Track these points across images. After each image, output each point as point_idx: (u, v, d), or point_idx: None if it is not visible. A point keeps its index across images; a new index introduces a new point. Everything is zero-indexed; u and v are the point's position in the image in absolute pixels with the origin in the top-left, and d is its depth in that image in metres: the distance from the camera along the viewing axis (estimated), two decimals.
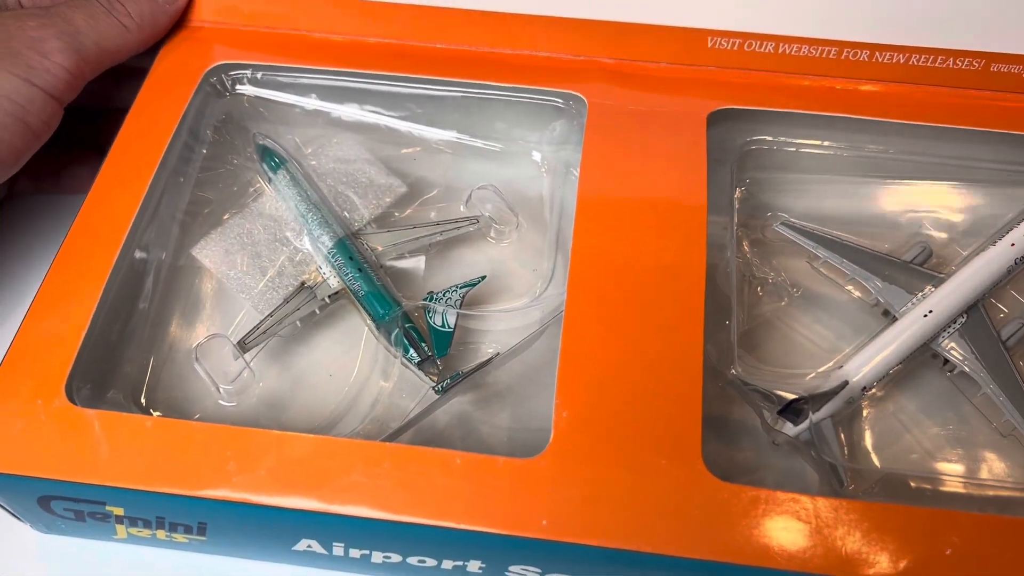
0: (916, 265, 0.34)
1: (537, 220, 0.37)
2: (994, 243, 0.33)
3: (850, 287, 0.34)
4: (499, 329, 0.34)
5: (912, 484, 0.30)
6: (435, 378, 0.32)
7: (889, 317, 0.33)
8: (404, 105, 0.37)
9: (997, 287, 0.33)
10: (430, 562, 0.28)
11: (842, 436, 0.31)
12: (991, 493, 0.30)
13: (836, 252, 0.34)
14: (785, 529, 0.26)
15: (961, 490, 0.30)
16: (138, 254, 0.33)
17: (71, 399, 0.28)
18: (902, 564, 0.25)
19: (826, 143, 0.36)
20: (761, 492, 0.27)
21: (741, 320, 0.33)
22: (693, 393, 0.28)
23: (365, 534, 0.27)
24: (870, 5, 0.35)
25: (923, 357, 0.33)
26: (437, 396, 0.31)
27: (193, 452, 0.27)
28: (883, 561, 0.25)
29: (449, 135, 0.37)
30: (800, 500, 0.27)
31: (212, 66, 0.36)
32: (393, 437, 0.30)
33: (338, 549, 0.28)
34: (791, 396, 0.30)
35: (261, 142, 0.36)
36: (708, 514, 0.26)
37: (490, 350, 0.32)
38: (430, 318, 0.33)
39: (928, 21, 0.35)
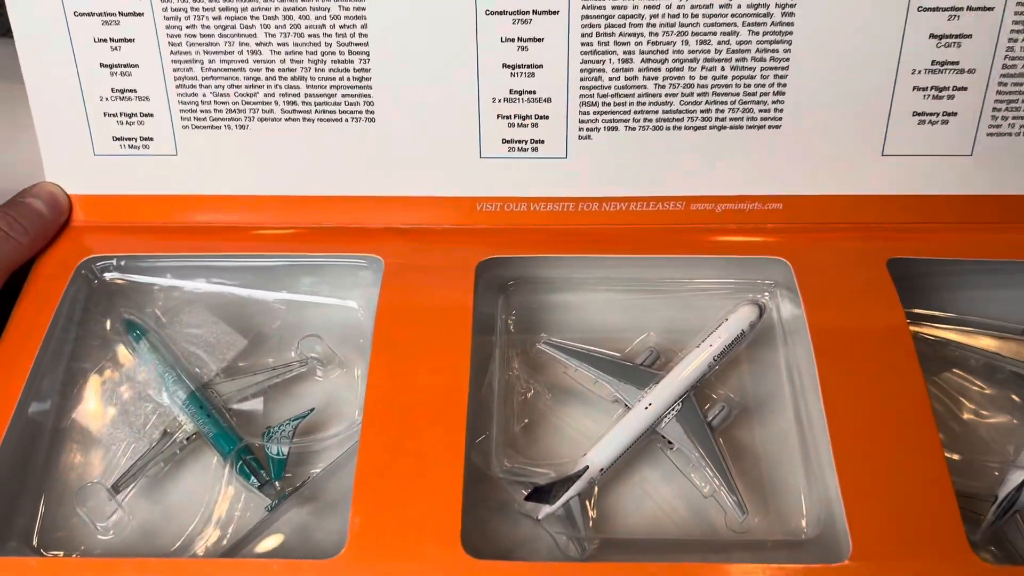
0: (645, 367, 0.43)
1: (359, 354, 0.46)
2: (698, 345, 0.43)
3: (595, 389, 0.44)
4: (330, 450, 0.43)
5: (640, 541, 0.39)
6: (274, 498, 0.40)
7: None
8: (242, 275, 0.46)
9: (704, 379, 0.42)
10: None
11: (590, 510, 0.40)
12: (699, 539, 0.39)
13: (584, 361, 0.43)
14: None
15: (682, 540, 0.40)
16: (27, 418, 0.41)
17: None
18: None
19: (576, 274, 0.46)
20: (506, 564, 0.36)
21: (511, 423, 0.42)
22: (455, 491, 0.37)
23: None
24: (598, 170, 0.45)
25: (654, 439, 0.42)
26: (268, 513, 0.39)
27: None
28: None
29: (281, 295, 0.47)
30: (539, 567, 0.36)
31: (84, 260, 0.45)
32: (236, 551, 0.38)
33: None
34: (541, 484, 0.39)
35: (126, 317, 0.45)
36: None
37: (314, 471, 0.41)
38: (267, 449, 0.41)
39: (642, 176, 0.45)
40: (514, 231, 0.46)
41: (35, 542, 0.39)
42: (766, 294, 0.45)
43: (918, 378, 0.40)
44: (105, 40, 0.44)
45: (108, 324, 0.45)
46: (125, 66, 0.45)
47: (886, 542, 0.35)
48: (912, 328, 0.44)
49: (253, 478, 0.41)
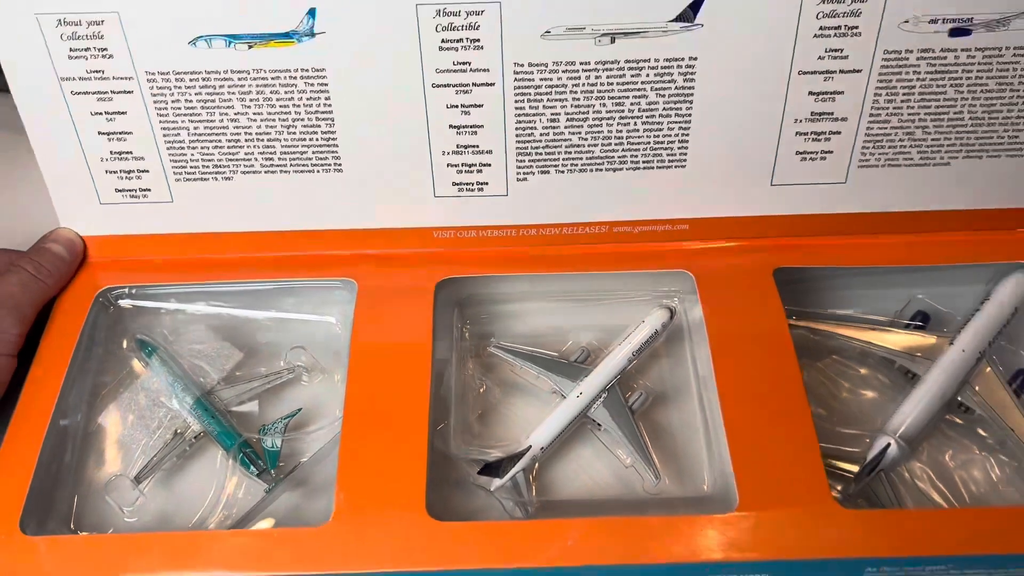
0: (578, 363, 0.52)
1: (338, 362, 0.53)
2: (620, 344, 0.51)
3: (537, 383, 0.52)
4: (316, 442, 0.51)
5: (575, 503, 0.48)
6: (270, 483, 0.48)
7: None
8: (236, 298, 0.54)
9: (625, 371, 0.51)
10: None
11: (532, 481, 0.48)
12: (622, 500, 0.48)
13: (528, 360, 0.52)
14: (476, 542, 0.43)
15: (608, 500, 0.48)
16: (61, 425, 0.49)
17: (23, 532, 0.44)
18: (539, 548, 0.42)
19: (519, 289, 0.55)
20: (463, 524, 0.44)
21: (466, 413, 0.51)
22: (420, 469, 0.45)
23: None
24: (535, 205, 0.53)
25: (586, 422, 0.50)
26: (266, 495, 0.47)
27: (106, 553, 0.43)
28: (528, 548, 0.42)
29: (270, 314, 0.55)
30: (490, 525, 0.44)
31: (101, 289, 0.53)
32: (241, 526, 0.46)
33: None
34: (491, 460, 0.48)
35: (139, 337, 0.53)
36: (425, 541, 0.43)
37: (303, 459, 0.49)
38: (263, 443, 0.49)
39: (571, 208, 0.54)
40: (466, 255, 0.54)
41: (72, 525, 0.47)
42: (675, 300, 0.54)
43: (794, 366, 0.48)
44: (101, 113, 0.50)
45: (124, 343, 0.53)
46: (120, 133, 0.51)
47: (765, 496, 0.44)
48: (801, 323, 0.53)
49: (252, 467, 0.49)
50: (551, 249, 0.55)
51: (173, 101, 0.50)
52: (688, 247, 0.54)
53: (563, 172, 0.52)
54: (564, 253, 0.55)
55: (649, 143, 0.51)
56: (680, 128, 0.51)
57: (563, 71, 0.48)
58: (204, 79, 0.49)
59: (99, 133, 0.51)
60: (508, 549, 0.43)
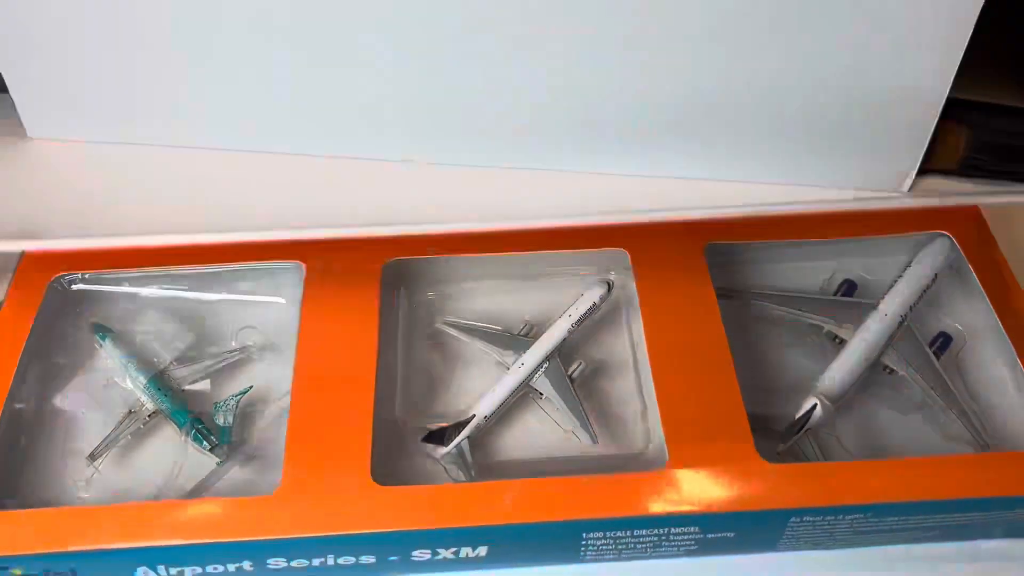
0: (523, 336, 0.54)
1: (288, 341, 0.55)
2: (560, 316, 0.54)
3: (482, 356, 0.54)
4: (266, 417, 0.52)
5: (517, 466, 0.50)
6: (222, 456, 0.50)
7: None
8: (187, 281, 0.56)
9: (566, 343, 0.53)
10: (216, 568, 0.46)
11: (476, 448, 0.50)
12: (562, 462, 0.50)
13: (475, 335, 0.54)
14: (420, 504, 0.45)
15: (546, 463, 0.50)
16: (16, 408, 0.50)
17: None
18: (479, 508, 0.44)
19: (463, 271, 0.57)
20: (406, 488, 0.46)
21: (413, 385, 0.53)
22: (365, 438, 0.47)
23: (176, 555, 0.45)
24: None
25: (528, 391, 0.52)
26: (217, 467, 0.49)
27: (62, 525, 0.45)
28: (470, 508, 0.44)
29: (221, 296, 0.56)
30: (433, 488, 0.46)
31: (55, 276, 0.54)
32: (191, 496, 0.48)
33: (163, 570, 0.45)
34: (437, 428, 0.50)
35: (92, 320, 0.54)
36: (370, 504, 0.45)
37: (254, 431, 0.51)
38: (215, 419, 0.51)
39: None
40: (411, 238, 0.56)
41: (28, 503, 0.48)
42: (612, 274, 0.56)
43: (720, 335, 0.50)
44: None
45: (78, 327, 0.54)
46: None
47: (694, 454, 0.46)
48: (733, 293, 0.55)
49: (205, 443, 0.50)
50: (494, 231, 0.56)
51: None
52: (625, 225, 0.56)
53: None
54: (507, 235, 0.56)
55: None
56: None
57: None
58: None
59: None
60: (451, 510, 0.45)
